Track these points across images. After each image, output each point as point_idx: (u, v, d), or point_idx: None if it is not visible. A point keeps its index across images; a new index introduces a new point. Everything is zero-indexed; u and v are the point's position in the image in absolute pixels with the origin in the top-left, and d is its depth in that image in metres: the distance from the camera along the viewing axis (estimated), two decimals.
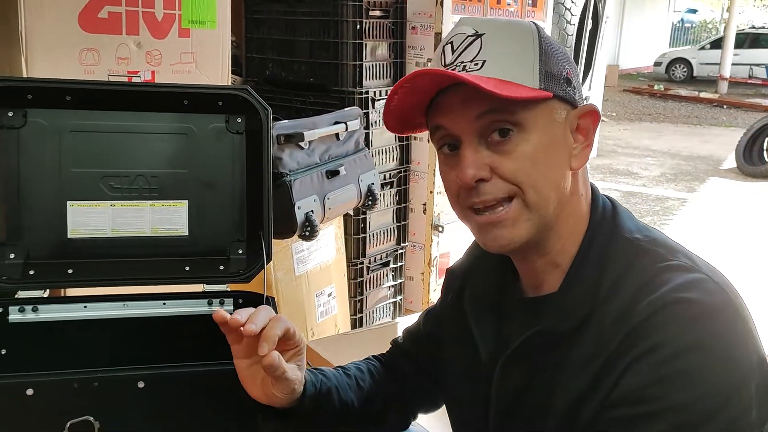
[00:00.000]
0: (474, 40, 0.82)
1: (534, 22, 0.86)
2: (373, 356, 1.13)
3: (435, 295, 2.57)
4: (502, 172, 0.81)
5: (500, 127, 0.81)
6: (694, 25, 24.33)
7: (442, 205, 2.48)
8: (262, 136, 1.38)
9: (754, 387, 0.73)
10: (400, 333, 1.18)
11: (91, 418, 0.94)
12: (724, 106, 12.35)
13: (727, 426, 0.71)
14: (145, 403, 0.97)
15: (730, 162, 7.52)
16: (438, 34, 2.32)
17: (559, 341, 0.82)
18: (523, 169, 0.81)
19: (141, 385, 0.96)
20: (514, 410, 0.87)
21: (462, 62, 0.82)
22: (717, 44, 15.56)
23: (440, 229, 2.46)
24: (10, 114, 1.30)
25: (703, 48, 16.76)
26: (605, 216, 0.86)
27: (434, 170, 2.42)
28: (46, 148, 1.32)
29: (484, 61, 0.81)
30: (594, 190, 0.89)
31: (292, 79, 2.53)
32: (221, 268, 1.40)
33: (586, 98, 3.87)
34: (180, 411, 1.00)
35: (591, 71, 3.81)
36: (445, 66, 0.83)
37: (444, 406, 1.07)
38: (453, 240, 2.62)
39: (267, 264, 1.36)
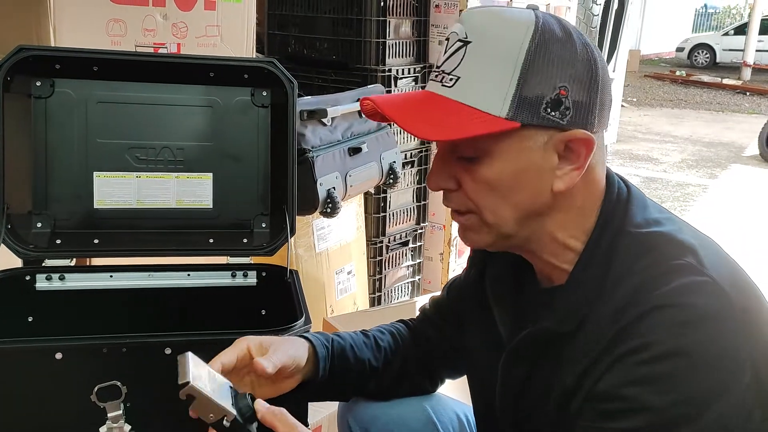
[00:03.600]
0: (460, 47, 0.80)
1: (539, 15, 0.80)
2: (401, 320, 1.13)
3: (455, 275, 2.56)
4: (464, 189, 0.82)
5: (462, 154, 0.81)
6: (717, 11, 23.92)
7: None
8: (288, 108, 1.38)
9: (747, 393, 0.73)
10: (418, 311, 1.18)
11: (119, 383, 0.94)
12: (747, 93, 12.13)
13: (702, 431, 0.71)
14: (171, 369, 0.98)
15: (753, 149, 7.40)
16: (462, 11, 2.28)
17: (558, 339, 0.82)
18: (482, 192, 0.81)
19: (168, 351, 0.97)
20: (516, 398, 0.88)
21: (443, 72, 0.81)
22: (741, 30, 15.27)
23: None
24: (38, 83, 1.31)
25: (726, 34, 16.46)
26: (617, 210, 0.83)
27: None
28: (73, 118, 1.33)
29: (459, 78, 0.79)
30: (610, 183, 0.86)
31: (314, 56, 2.51)
32: (245, 241, 1.40)
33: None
34: None
35: (615, 54, 3.75)
36: (438, 66, 0.83)
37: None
38: None
39: (291, 238, 1.37)
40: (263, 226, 1.42)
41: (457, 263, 2.55)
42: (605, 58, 3.79)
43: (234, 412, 0.82)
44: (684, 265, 0.76)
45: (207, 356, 1.00)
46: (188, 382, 0.78)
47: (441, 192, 0.85)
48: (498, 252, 0.94)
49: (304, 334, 1.01)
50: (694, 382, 0.71)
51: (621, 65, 3.84)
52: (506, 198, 0.80)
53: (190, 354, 0.82)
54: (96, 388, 0.94)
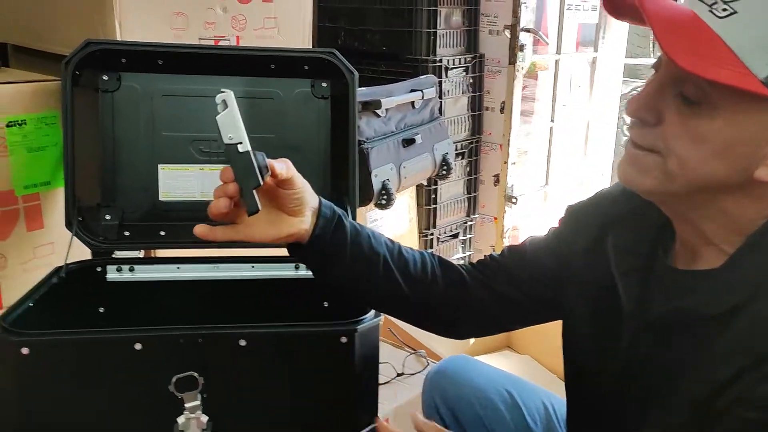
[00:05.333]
0: None
1: None
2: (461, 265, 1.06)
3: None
4: (664, 129, 0.72)
5: (686, 93, 0.71)
6: None
7: (515, 176, 2.44)
8: (348, 100, 1.37)
9: None
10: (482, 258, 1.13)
11: (196, 374, 0.95)
12: None
13: None
14: (246, 361, 0.98)
15: None
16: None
17: (705, 323, 0.75)
18: (683, 140, 0.71)
19: (243, 343, 0.97)
20: (639, 375, 0.82)
21: None
22: None
23: (514, 200, 2.42)
24: (105, 77, 1.32)
25: None
26: None
27: (509, 140, 2.37)
28: (139, 111, 1.34)
29: (734, 12, 0.67)
30: None
31: (365, 47, 2.50)
32: None
33: None
34: (279, 370, 1.00)
35: None
36: None
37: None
38: (525, 212, 2.58)
39: None
40: None
41: None
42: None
43: (249, 147, 0.89)
44: None
45: (282, 351, 1.00)
46: (230, 91, 0.89)
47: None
48: (635, 217, 0.88)
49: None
50: None
51: None
52: (704, 159, 0.71)
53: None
54: (174, 379, 0.95)
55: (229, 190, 0.88)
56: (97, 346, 0.94)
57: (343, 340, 1.00)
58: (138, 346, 0.94)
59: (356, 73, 1.38)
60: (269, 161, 0.92)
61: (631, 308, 0.84)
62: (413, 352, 1.47)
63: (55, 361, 0.94)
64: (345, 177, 1.39)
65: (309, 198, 0.94)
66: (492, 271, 1.02)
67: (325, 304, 1.38)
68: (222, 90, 0.90)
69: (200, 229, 0.91)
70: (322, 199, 0.97)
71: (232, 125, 0.89)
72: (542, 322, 1.04)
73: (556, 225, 1.02)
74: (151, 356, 0.95)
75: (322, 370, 1.01)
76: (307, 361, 1.01)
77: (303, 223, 0.94)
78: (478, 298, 1.01)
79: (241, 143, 0.89)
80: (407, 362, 1.44)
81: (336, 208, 0.98)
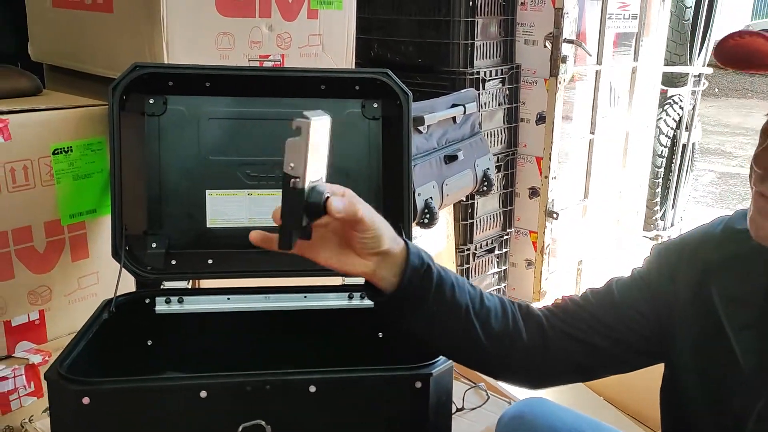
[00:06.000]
0: None
1: None
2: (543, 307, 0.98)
3: (547, 284, 2.46)
4: None
5: None
6: None
7: (556, 190, 2.37)
8: (402, 121, 1.32)
9: None
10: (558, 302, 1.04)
11: (263, 422, 0.90)
12: None
13: None
14: (315, 408, 0.93)
15: None
16: (559, 10, 2.18)
17: None
18: None
19: (312, 389, 0.92)
20: None
21: None
22: None
23: (555, 215, 2.35)
24: (152, 101, 1.27)
25: None
26: None
27: (549, 154, 2.31)
28: (185, 135, 1.30)
29: None
30: None
31: (398, 59, 2.45)
32: None
33: (699, 76, 3.62)
34: (349, 416, 0.95)
35: (706, 46, 3.55)
36: None
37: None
38: (563, 225, 2.52)
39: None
40: None
41: (550, 271, 2.46)
42: (697, 52, 3.61)
43: (307, 185, 0.78)
44: None
45: (352, 397, 0.94)
46: (309, 120, 0.76)
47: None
48: (742, 265, 0.82)
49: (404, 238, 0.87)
50: None
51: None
52: None
53: (329, 118, 0.80)
54: (240, 428, 0.90)
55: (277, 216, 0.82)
56: (161, 394, 0.89)
57: (418, 385, 0.94)
58: (203, 394, 0.89)
59: (410, 94, 1.33)
60: (330, 196, 0.81)
61: (753, 368, 0.78)
62: (473, 385, 1.41)
63: (117, 409, 0.88)
64: (398, 199, 1.33)
65: (386, 243, 0.84)
66: (573, 316, 0.94)
67: (380, 334, 1.32)
68: (303, 115, 0.78)
69: (255, 236, 0.83)
70: (411, 245, 0.87)
71: (297, 155, 0.79)
72: (630, 371, 0.97)
73: (643, 266, 0.95)
74: (217, 404, 0.90)
75: (395, 416, 0.96)
76: (379, 408, 0.95)
77: (366, 267, 0.84)
78: (561, 347, 0.93)
79: (298, 178, 0.79)
80: (467, 396, 1.38)
81: (424, 255, 0.88)
